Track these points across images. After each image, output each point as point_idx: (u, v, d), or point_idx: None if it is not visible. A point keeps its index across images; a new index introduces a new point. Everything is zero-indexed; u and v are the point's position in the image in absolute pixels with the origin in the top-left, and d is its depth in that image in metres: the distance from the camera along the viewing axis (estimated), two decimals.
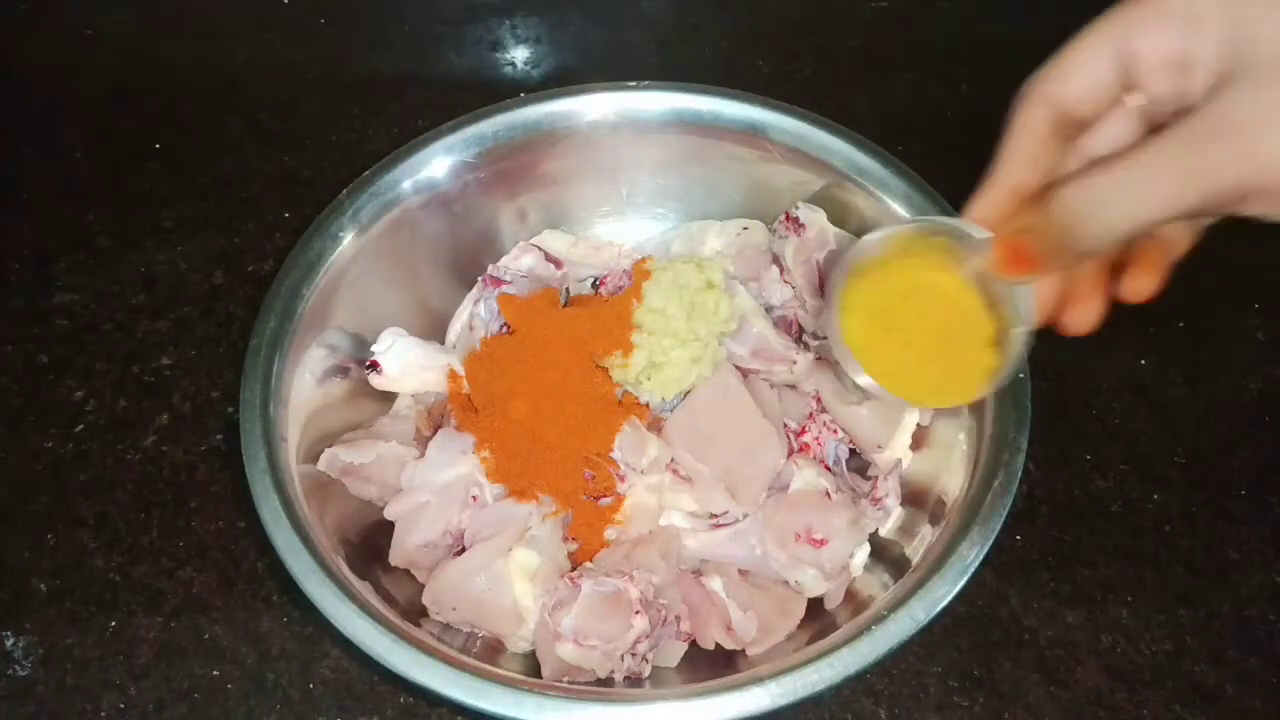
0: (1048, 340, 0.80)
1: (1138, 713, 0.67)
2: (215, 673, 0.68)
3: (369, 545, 0.64)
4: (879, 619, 0.55)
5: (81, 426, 0.78)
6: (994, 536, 0.57)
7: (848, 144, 0.72)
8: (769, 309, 0.75)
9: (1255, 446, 0.78)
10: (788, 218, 0.74)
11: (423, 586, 0.63)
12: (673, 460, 0.67)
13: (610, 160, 0.77)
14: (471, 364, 0.70)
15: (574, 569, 0.63)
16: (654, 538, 0.65)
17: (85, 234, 0.88)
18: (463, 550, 0.63)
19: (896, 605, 0.56)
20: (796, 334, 0.75)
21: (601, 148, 0.76)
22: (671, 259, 0.75)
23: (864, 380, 0.53)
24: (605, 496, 0.65)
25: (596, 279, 0.78)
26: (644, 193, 0.80)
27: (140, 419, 0.78)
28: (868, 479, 0.71)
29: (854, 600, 0.64)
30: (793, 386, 0.73)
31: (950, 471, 0.65)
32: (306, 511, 0.60)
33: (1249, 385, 0.81)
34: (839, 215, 0.74)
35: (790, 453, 0.69)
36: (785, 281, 0.75)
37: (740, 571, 0.66)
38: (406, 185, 0.71)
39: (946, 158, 0.91)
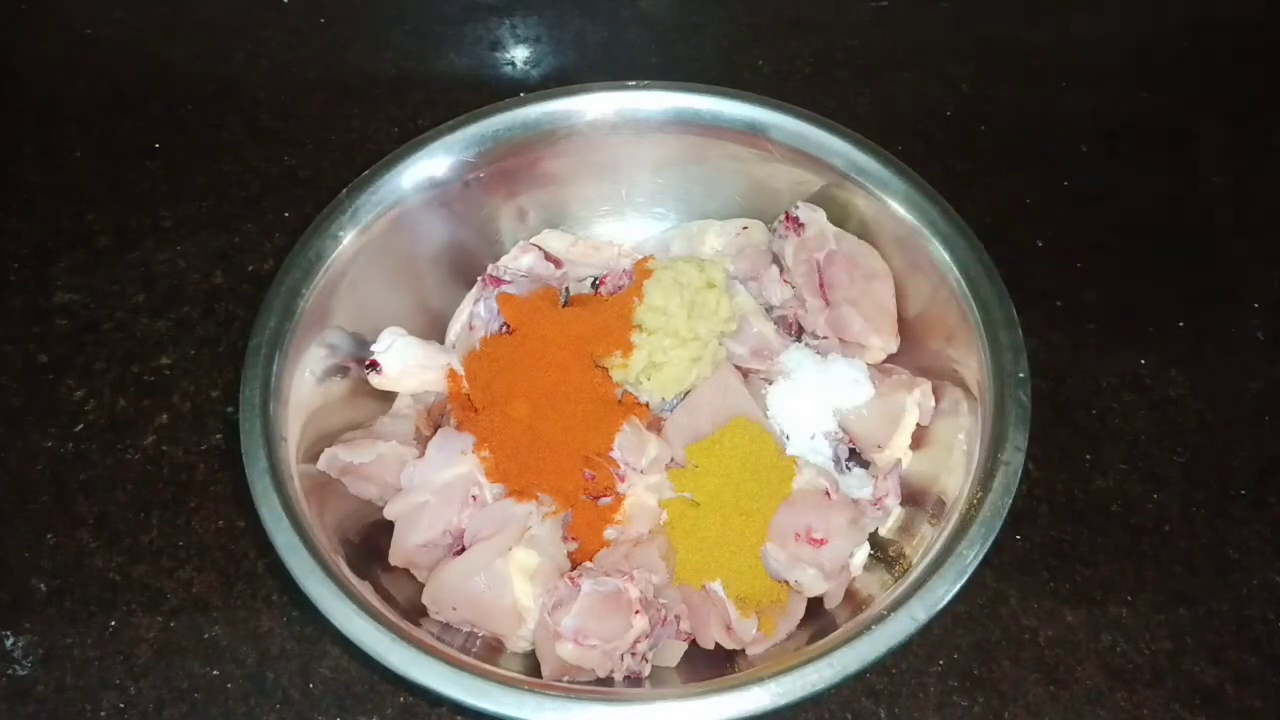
0: (1048, 340, 0.82)
1: (1138, 712, 0.67)
2: (215, 672, 0.68)
3: (369, 545, 0.64)
4: (879, 619, 0.55)
5: (81, 426, 0.78)
6: (994, 536, 0.57)
7: (848, 144, 0.72)
8: (769, 309, 0.75)
9: (1255, 446, 0.78)
10: (788, 217, 0.74)
11: (423, 586, 0.63)
12: (672, 460, 0.67)
13: (610, 160, 0.77)
14: (471, 363, 0.70)
15: (574, 569, 0.63)
16: (654, 538, 0.65)
17: (85, 234, 0.88)
18: (463, 550, 0.63)
19: (896, 605, 0.56)
20: (796, 334, 0.75)
21: (601, 147, 0.76)
22: (672, 258, 0.75)
23: None
24: (605, 496, 0.65)
25: (596, 278, 0.78)
26: (644, 192, 0.80)
27: (140, 419, 0.78)
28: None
29: (854, 600, 0.64)
30: None
31: (950, 471, 0.64)
32: (306, 511, 0.60)
33: (1249, 385, 0.81)
34: (839, 215, 0.74)
35: None
36: (785, 281, 0.75)
37: None
38: (406, 185, 0.71)
39: (946, 158, 0.92)
